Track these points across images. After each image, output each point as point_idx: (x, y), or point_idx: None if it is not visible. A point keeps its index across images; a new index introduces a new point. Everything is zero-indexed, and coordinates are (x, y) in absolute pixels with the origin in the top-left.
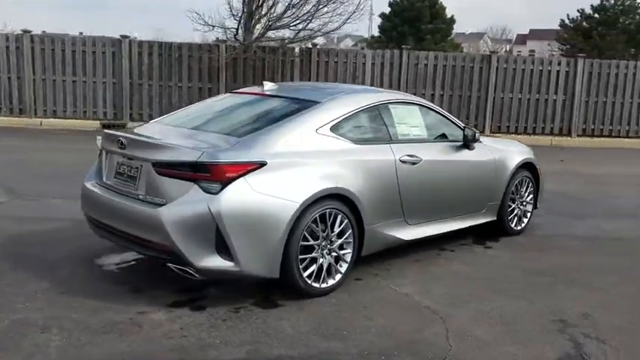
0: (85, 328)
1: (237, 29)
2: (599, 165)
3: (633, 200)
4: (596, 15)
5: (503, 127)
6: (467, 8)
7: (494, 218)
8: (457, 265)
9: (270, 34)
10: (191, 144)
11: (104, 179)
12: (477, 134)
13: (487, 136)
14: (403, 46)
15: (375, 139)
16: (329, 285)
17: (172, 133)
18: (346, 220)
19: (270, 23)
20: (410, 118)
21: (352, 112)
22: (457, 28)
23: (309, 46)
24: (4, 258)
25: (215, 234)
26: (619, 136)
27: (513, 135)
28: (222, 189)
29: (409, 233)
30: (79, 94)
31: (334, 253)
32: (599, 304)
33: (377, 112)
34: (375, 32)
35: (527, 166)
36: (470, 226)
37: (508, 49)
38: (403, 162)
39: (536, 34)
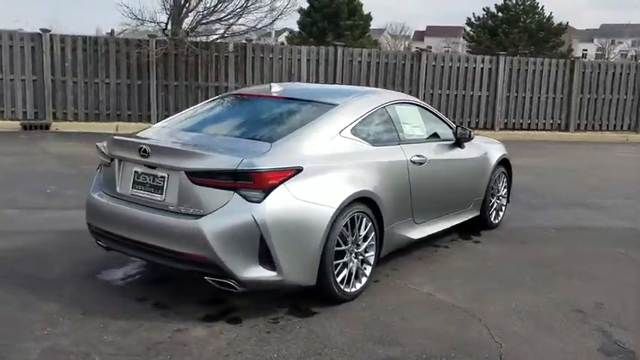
0: (128, 352)
1: (167, 23)
2: (527, 157)
3: (572, 190)
4: (500, 14)
5: None
6: (366, 6)
7: (478, 213)
8: (457, 260)
9: (202, 29)
10: (224, 151)
11: (118, 190)
12: (472, 133)
13: None
14: (337, 43)
15: (387, 140)
16: (357, 289)
17: (194, 138)
18: (370, 223)
19: (200, 17)
20: (411, 119)
21: (368, 114)
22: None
23: (244, 41)
24: (12, 277)
25: (259, 244)
26: (537, 129)
27: None
28: (264, 197)
29: (417, 232)
30: None
31: (360, 257)
32: (606, 293)
33: (387, 113)
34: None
35: (503, 162)
36: (461, 223)
37: (407, 45)
38: (413, 162)
39: (433, 31)
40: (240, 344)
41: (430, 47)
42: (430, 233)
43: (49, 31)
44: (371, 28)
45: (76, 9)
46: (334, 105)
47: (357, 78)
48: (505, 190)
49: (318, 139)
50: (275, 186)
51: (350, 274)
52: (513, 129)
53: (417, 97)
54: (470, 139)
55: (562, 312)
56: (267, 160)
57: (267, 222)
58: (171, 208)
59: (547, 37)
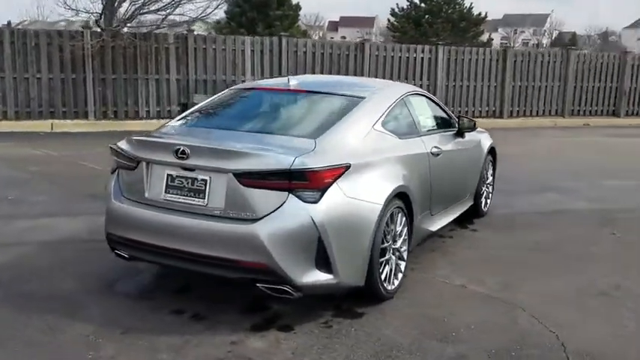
0: None
1: (101, 14)
2: None
3: (533, 175)
4: (423, 4)
5: None
6: None
7: (472, 202)
8: (466, 250)
9: (138, 20)
10: (272, 149)
11: (147, 195)
12: (475, 123)
13: None
14: (282, 34)
15: (409, 132)
16: (395, 286)
17: (230, 137)
18: (404, 218)
19: (135, 7)
20: (423, 109)
21: (393, 106)
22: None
23: (185, 32)
24: (7, 302)
25: (317, 246)
26: (474, 116)
27: None
28: (321, 197)
29: (434, 224)
30: None
31: (397, 253)
32: (615, 274)
33: (406, 105)
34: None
35: (491, 150)
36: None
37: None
38: (432, 154)
39: (346, 22)
40: (306, 353)
41: (344, 37)
42: (443, 225)
43: None
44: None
45: None
46: (362, 98)
47: (302, 69)
48: (491, 178)
49: (356, 133)
50: (330, 185)
51: (390, 271)
52: None
53: None
54: (475, 129)
55: (589, 295)
56: (319, 158)
57: (325, 223)
58: (217, 212)
59: (468, 27)
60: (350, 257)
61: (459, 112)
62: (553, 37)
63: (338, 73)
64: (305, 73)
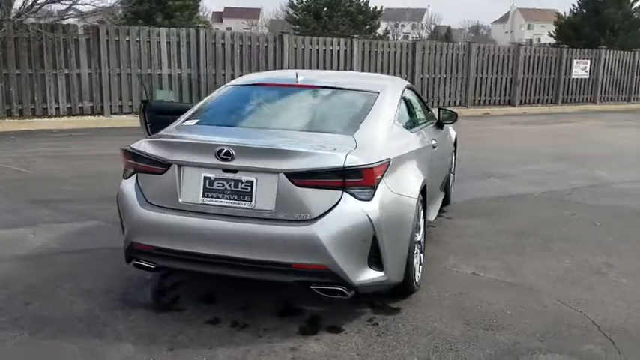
0: None
1: None
2: None
3: (470, 162)
4: None
5: None
6: None
7: (444, 192)
8: (455, 238)
9: (40, 10)
10: (320, 147)
11: (181, 200)
12: (457, 115)
13: None
14: (198, 26)
15: (413, 125)
16: (419, 278)
17: (267, 135)
18: (423, 211)
19: None
20: (415, 103)
21: (400, 100)
22: None
23: (96, 23)
24: (22, 328)
25: (371, 244)
26: None
27: None
28: (374, 194)
29: (431, 214)
30: None
31: (419, 245)
32: (599, 252)
33: (406, 99)
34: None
35: (455, 141)
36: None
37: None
38: (432, 146)
39: (231, 12)
40: (370, 352)
41: (230, 28)
42: (435, 215)
43: None
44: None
45: None
46: (376, 92)
47: (221, 61)
48: (453, 166)
49: (384, 128)
50: (379, 181)
51: (417, 263)
52: None
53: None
54: (455, 121)
55: (586, 275)
56: (366, 155)
57: (380, 220)
58: (266, 215)
59: (365, 20)
60: (396, 253)
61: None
62: (431, 31)
63: (257, 65)
64: (224, 66)
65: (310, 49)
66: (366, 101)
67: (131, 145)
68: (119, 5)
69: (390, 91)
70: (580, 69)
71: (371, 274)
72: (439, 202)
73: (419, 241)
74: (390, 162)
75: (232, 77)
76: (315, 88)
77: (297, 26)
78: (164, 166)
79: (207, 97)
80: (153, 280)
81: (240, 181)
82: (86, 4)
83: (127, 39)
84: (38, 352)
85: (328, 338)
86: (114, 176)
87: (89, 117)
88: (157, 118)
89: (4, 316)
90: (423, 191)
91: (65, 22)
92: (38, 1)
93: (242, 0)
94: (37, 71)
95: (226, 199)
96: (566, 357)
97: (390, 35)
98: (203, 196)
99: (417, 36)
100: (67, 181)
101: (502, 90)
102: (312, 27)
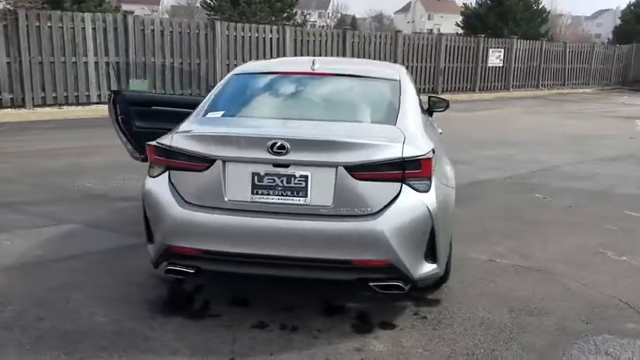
0: None
1: None
2: None
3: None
4: None
5: None
6: None
7: None
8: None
9: None
10: (375, 138)
11: (227, 198)
12: (448, 103)
13: None
14: (126, 11)
15: (423, 112)
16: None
17: (312, 127)
18: None
19: None
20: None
21: (415, 87)
22: None
23: (12, 7)
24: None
25: (429, 237)
26: None
27: None
28: (430, 185)
29: None
30: None
31: None
32: (587, 234)
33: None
34: None
35: None
36: None
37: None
38: (440, 133)
39: None
40: (436, 348)
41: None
42: None
43: None
44: None
45: None
46: (395, 80)
47: (151, 48)
48: None
49: (418, 117)
50: (433, 172)
51: None
52: None
53: (215, 69)
54: (447, 108)
55: (590, 256)
56: (418, 145)
57: (437, 211)
58: (323, 211)
59: (283, 7)
60: (445, 245)
61: None
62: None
63: (189, 53)
64: (154, 53)
65: (243, 37)
66: (390, 89)
67: (159, 141)
68: None
69: (406, 78)
70: (495, 58)
71: (427, 268)
72: None
73: None
74: (434, 151)
75: (163, 65)
76: (335, 76)
77: (212, 13)
78: (207, 162)
79: (220, 87)
80: (170, 285)
81: (294, 175)
82: None
83: (49, 25)
84: None
85: (386, 335)
86: (65, 173)
87: (9, 110)
88: (131, 110)
89: (25, 336)
90: None
91: None
92: None
93: None
94: None
95: (278, 195)
96: (618, 337)
97: (309, 24)
98: (252, 193)
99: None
100: (17, 180)
101: (426, 78)
102: (229, 14)
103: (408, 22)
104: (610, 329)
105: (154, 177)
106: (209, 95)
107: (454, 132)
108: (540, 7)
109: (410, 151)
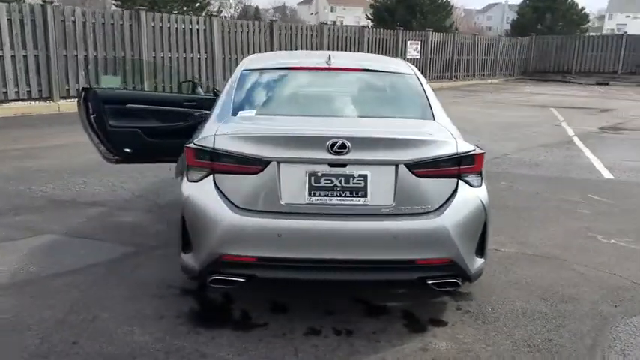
0: None
1: None
2: None
3: None
4: None
5: (161, 88)
6: None
7: None
8: None
9: None
10: (432, 134)
11: (283, 201)
12: None
13: None
14: (45, 0)
15: None
16: None
17: (358, 124)
18: None
19: None
20: None
21: None
22: None
23: None
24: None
25: (481, 231)
26: None
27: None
28: (482, 180)
29: None
30: None
31: None
32: (572, 218)
33: None
34: None
35: None
36: None
37: None
38: None
39: None
40: (497, 341)
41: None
42: None
43: None
44: None
45: None
46: (411, 74)
47: (73, 41)
48: None
49: (444, 111)
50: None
51: None
52: None
53: (141, 61)
54: None
55: (584, 239)
56: (464, 140)
57: (488, 206)
58: (384, 210)
59: None
60: (489, 239)
61: None
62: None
63: (114, 45)
64: (77, 46)
65: (169, 28)
66: (412, 83)
67: (198, 143)
68: None
69: (418, 72)
70: (413, 50)
71: (478, 262)
72: None
73: None
74: None
75: (86, 59)
76: (355, 71)
77: (119, 2)
78: (260, 164)
79: (234, 84)
80: (196, 295)
81: (352, 175)
82: None
83: None
84: None
85: (443, 333)
86: (16, 178)
87: None
88: (106, 108)
89: None
90: None
91: None
92: None
93: None
94: None
95: (337, 196)
96: None
97: (224, 13)
98: (309, 195)
99: (229, 15)
100: None
101: None
102: (140, 3)
103: (312, 13)
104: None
105: (195, 182)
106: (226, 93)
107: None
108: (444, 0)
109: (464, 147)
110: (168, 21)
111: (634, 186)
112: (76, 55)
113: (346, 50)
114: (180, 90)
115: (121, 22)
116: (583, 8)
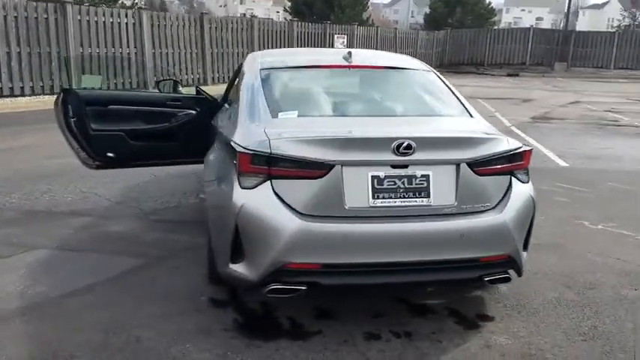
0: None
1: None
2: None
3: None
4: None
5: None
6: None
7: None
8: None
9: None
10: (485, 131)
11: (347, 205)
12: None
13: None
14: None
15: None
16: None
17: (399, 123)
18: None
19: None
20: None
21: None
22: None
23: None
24: None
25: (529, 226)
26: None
27: None
28: (529, 175)
29: None
30: None
31: None
32: (554, 205)
33: None
34: None
35: None
36: None
37: None
38: None
39: None
40: (549, 332)
41: None
42: None
43: None
44: None
45: None
46: (429, 71)
47: None
48: None
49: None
50: None
51: None
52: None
53: (68, 59)
54: None
55: (573, 226)
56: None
57: (536, 201)
58: (447, 210)
59: None
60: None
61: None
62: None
63: (38, 41)
64: None
65: (97, 22)
66: (434, 80)
67: (253, 148)
68: None
69: (432, 69)
70: (339, 43)
71: (524, 256)
72: None
73: None
74: None
75: (9, 55)
76: (377, 69)
77: None
78: (324, 168)
79: (255, 83)
80: (233, 306)
81: (415, 176)
82: None
83: None
84: None
85: (497, 328)
86: None
87: None
88: (88, 110)
89: None
90: None
91: None
92: None
93: None
94: None
95: (400, 198)
96: None
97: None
98: (373, 197)
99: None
100: None
101: None
102: None
103: (220, 5)
104: None
105: (250, 189)
106: (251, 93)
107: None
108: None
109: (514, 144)
110: (96, 14)
111: (594, 173)
112: None
113: (276, 44)
114: (159, 89)
115: (46, 16)
116: (490, 2)
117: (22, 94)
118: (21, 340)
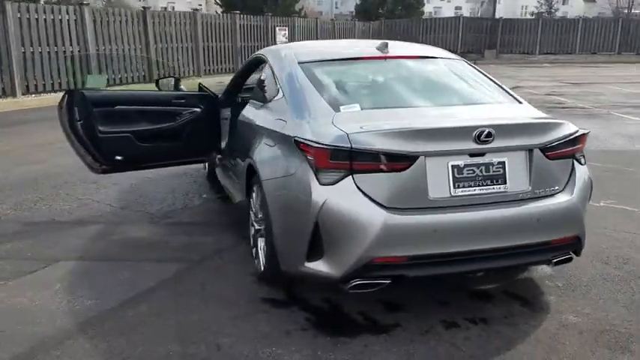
0: None
1: None
2: None
3: None
4: None
5: (34, 87)
6: None
7: None
8: None
9: None
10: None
11: (431, 196)
12: None
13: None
14: None
15: None
16: None
17: (463, 112)
18: None
19: None
20: None
21: None
22: None
23: None
24: None
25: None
26: (127, 83)
27: (51, 94)
28: (584, 157)
29: None
30: None
31: None
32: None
33: None
34: None
35: None
36: None
37: None
38: None
39: None
40: (608, 307)
41: None
42: None
43: None
44: None
45: None
46: (461, 60)
47: None
48: None
49: None
50: None
51: None
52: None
53: (10, 58)
54: None
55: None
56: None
57: (592, 182)
58: (522, 195)
59: None
60: None
61: (119, 79)
62: None
63: None
64: None
65: (37, 19)
66: (470, 68)
67: (332, 143)
68: None
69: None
70: (282, 36)
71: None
72: None
73: None
74: None
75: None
76: (413, 58)
77: None
78: (409, 160)
79: (300, 78)
80: (296, 303)
81: (492, 163)
82: None
83: None
84: None
85: (561, 307)
86: None
87: None
88: (96, 112)
89: None
90: None
91: None
92: None
93: None
94: None
95: (479, 186)
96: None
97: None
98: (454, 187)
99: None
100: None
101: (226, 58)
102: None
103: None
104: None
105: (331, 184)
106: (297, 87)
107: None
108: None
109: (574, 128)
110: (36, 12)
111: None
112: None
113: (219, 38)
114: (158, 87)
115: None
116: None
117: None
118: (100, 358)
